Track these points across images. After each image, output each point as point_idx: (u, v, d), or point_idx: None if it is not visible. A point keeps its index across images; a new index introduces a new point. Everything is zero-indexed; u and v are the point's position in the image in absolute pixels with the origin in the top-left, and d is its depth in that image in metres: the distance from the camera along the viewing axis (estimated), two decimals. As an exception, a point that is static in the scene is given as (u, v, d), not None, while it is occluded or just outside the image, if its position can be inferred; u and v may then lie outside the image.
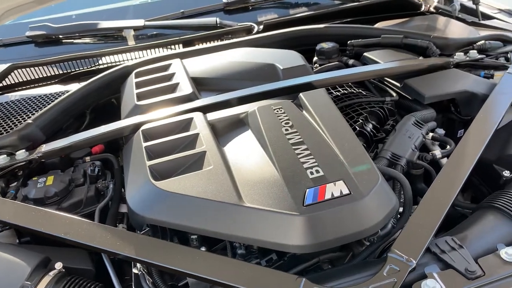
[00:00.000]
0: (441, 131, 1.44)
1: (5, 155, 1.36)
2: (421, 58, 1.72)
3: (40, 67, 1.93)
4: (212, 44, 1.95)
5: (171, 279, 1.10)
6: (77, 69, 1.96)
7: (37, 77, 1.94)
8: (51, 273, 0.98)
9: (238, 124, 1.33)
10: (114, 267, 1.14)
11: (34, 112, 1.61)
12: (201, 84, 1.58)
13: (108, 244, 1.00)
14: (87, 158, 1.44)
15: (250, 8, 2.35)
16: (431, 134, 1.40)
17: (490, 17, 2.12)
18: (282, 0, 2.39)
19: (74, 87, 1.71)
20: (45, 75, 1.95)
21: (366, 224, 0.96)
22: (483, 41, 1.76)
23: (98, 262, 1.14)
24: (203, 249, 1.05)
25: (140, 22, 2.17)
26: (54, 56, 1.97)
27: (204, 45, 1.93)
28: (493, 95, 1.44)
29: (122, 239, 1.01)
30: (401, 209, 1.15)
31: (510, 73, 1.55)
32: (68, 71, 1.95)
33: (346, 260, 1.10)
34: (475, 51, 1.72)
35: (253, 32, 2.06)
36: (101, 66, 1.97)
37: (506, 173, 1.23)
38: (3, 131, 1.52)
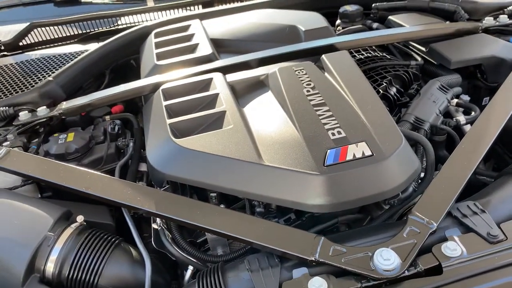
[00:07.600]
0: (466, 98, 1.40)
1: (27, 112, 1.37)
2: (448, 22, 1.66)
3: (59, 26, 1.93)
4: (232, 5, 1.91)
5: (190, 235, 1.11)
6: (96, 29, 1.94)
7: (56, 36, 1.94)
8: (73, 225, 1.00)
9: (258, 86, 1.31)
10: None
11: (54, 70, 1.61)
12: (220, 46, 1.55)
13: (129, 199, 1.01)
14: (107, 117, 1.45)
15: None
16: (455, 100, 1.37)
17: (522, -19, 2.03)
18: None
19: (93, 46, 1.70)
20: (64, 35, 1.94)
21: (388, 186, 0.94)
22: (514, 6, 1.69)
23: (118, 220, 1.15)
24: (222, 206, 1.05)
25: (159, -17, 2.14)
26: (73, 15, 1.95)
27: (224, 6, 1.90)
28: (523, 61, 1.39)
29: (143, 194, 1.02)
30: (422, 174, 1.13)
31: (541, 39, 1.50)
32: (87, 31, 1.94)
33: (365, 223, 1.10)
34: (506, 16, 1.65)
35: (275, -6, 2.01)
36: (120, 27, 1.96)
37: (532, 141, 1.19)
38: (24, 89, 1.53)
